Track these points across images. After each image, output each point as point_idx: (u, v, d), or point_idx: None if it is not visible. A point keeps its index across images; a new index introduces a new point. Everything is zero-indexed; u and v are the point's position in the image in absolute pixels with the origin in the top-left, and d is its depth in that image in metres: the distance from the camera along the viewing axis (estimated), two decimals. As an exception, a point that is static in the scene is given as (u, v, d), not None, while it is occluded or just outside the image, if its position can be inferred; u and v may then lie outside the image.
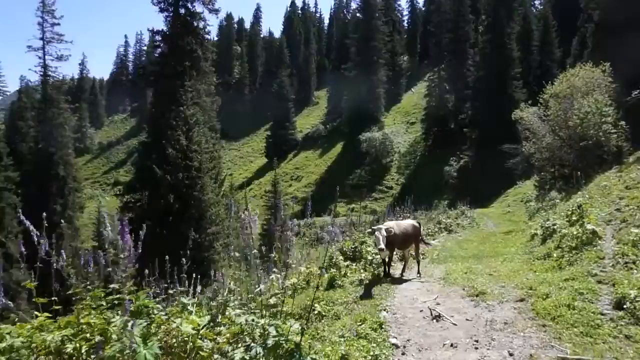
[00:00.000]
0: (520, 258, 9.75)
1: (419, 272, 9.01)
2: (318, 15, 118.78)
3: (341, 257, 10.10)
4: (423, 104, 60.01)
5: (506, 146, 32.43)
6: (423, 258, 11.72)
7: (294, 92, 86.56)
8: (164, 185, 20.85)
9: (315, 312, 7.49)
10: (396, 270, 9.61)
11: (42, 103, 39.37)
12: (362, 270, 8.83)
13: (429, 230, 18.55)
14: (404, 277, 8.96)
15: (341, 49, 75.75)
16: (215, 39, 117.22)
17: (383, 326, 6.04)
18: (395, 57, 71.11)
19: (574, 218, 9.05)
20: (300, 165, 66.98)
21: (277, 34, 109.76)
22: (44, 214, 3.96)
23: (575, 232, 8.13)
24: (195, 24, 25.03)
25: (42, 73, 38.80)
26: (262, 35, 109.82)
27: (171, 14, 24.47)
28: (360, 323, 6.23)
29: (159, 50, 25.69)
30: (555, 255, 8.27)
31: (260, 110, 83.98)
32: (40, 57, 38.42)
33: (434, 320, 6.20)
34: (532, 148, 21.06)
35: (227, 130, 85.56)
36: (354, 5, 79.15)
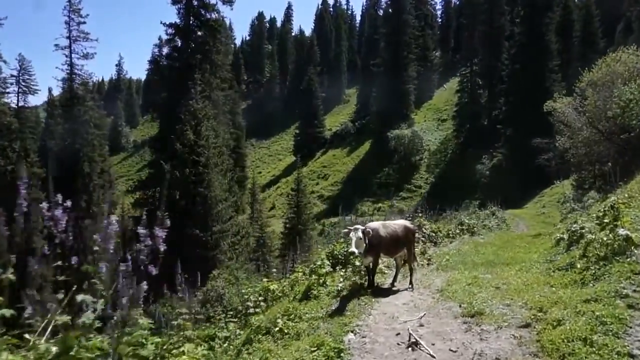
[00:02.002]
0: (538, 267, 8.16)
1: (411, 283, 7.59)
2: (349, 12, 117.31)
3: (327, 262, 8.85)
4: (455, 100, 57.53)
5: (537, 140, 29.96)
6: (429, 263, 10.27)
7: (324, 90, 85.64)
8: (171, 181, 20.14)
9: (277, 328, 6.30)
10: (389, 279, 8.24)
11: (69, 101, 39.82)
12: (341, 279, 7.50)
13: (449, 232, 16.93)
14: (393, 289, 7.58)
15: (371, 45, 74.06)
16: (247, 38, 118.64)
17: (342, 355, 4.77)
18: (426, 53, 68.76)
19: (606, 221, 7.39)
20: (327, 164, 65.86)
21: (308, 32, 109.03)
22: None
23: (604, 238, 6.52)
24: (209, 15, 24.24)
25: (68, 71, 39.19)
26: (293, 34, 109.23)
27: (184, 6, 23.79)
28: (315, 349, 4.98)
29: (172, 43, 25.10)
30: (579, 266, 6.68)
31: (290, 109, 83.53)
32: (66, 56, 38.80)
33: (409, 349, 4.85)
34: (566, 143, 18.99)
35: (257, 128, 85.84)
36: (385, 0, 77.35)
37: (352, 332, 5.40)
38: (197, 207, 19.23)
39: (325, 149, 70.60)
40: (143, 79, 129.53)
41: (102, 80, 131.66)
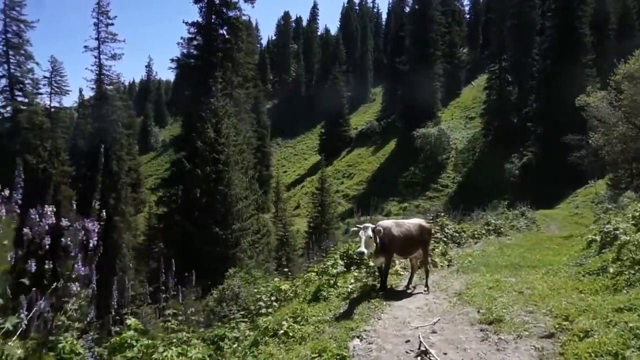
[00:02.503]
0: (567, 271, 7.58)
1: (426, 286, 7.14)
2: (375, 10, 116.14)
3: (341, 262, 8.49)
4: (483, 97, 56.04)
5: (569, 137, 28.63)
6: (450, 265, 9.76)
7: (350, 89, 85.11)
8: (192, 179, 20.17)
9: (281, 331, 5.99)
10: (404, 281, 7.81)
11: (98, 100, 40.69)
12: (352, 280, 7.12)
13: (474, 233, 16.29)
14: (408, 291, 7.15)
15: (397, 43, 73.01)
16: (273, 38, 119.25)
17: (344, 362, 4.42)
18: (453, 49, 67.28)
19: (643, 221, 6.78)
20: (352, 163, 65.36)
21: (334, 31, 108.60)
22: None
23: (641, 240, 5.95)
24: (230, 13, 24.21)
25: (97, 72, 40.03)
26: (318, 33, 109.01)
27: (205, 4, 23.81)
28: (316, 355, 4.65)
29: (194, 42, 25.19)
30: (611, 270, 6.11)
31: (316, 108, 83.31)
32: (95, 57, 39.62)
33: (418, 358, 4.45)
34: (601, 139, 17.98)
35: (282, 128, 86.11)
36: (411, -4, 76.20)
37: (358, 337, 5.03)
38: (217, 205, 19.16)
39: (350, 148, 70.11)
40: (172, 80, 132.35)
41: (133, 81, 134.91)
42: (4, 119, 40.51)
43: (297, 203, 59.29)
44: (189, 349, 4.76)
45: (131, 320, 4.31)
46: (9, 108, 39.25)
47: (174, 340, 4.84)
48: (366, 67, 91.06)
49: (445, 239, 12.27)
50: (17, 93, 39.43)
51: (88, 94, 42.51)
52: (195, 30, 24.35)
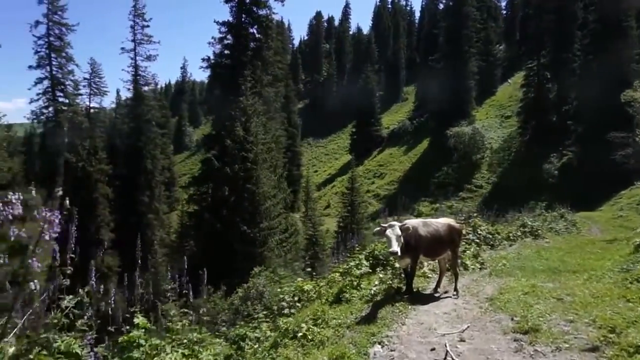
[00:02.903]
0: (612, 277, 6.99)
1: (455, 290, 6.71)
2: (408, 8, 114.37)
3: (366, 263, 8.16)
4: (520, 95, 54.08)
5: (613, 134, 27.07)
6: (482, 268, 9.25)
7: (382, 88, 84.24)
8: (221, 177, 20.25)
9: (300, 334, 5.72)
10: (432, 284, 7.40)
11: (133, 101, 41.81)
12: (376, 282, 6.78)
13: (510, 234, 15.60)
14: (435, 295, 6.75)
15: (431, 41, 71.67)
16: (305, 38, 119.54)
17: (363, 371, 4.12)
18: (489, 46, 65.33)
19: (700, 223, 6.12)
20: (384, 162, 64.57)
21: (366, 30, 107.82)
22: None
23: (698, 245, 5.34)
24: (260, 12, 24.21)
25: (133, 73, 41.16)
26: (350, 32, 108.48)
27: (236, 4, 23.90)
28: (333, 362, 4.36)
29: (224, 42, 25.32)
30: (664, 277, 5.55)
31: (348, 108, 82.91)
32: (131, 58, 40.81)
33: (444, 369, 4.10)
34: (649, 137, 16.84)
35: (314, 127, 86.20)
36: (445, -7, 74.58)
37: (379, 343, 4.71)
38: (245, 204, 19.15)
39: (382, 147, 69.31)
40: (206, 81, 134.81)
41: (169, 82, 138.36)
42: (46, 119, 42.10)
43: (328, 203, 59.08)
44: (200, 350, 4.56)
45: (139, 319, 4.15)
46: (50, 108, 40.80)
47: (185, 340, 4.66)
48: (398, 65, 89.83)
49: (477, 241, 11.73)
50: (58, 94, 40.99)
51: (125, 94, 43.74)
52: (226, 29, 24.49)
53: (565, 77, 47.48)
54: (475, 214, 15.27)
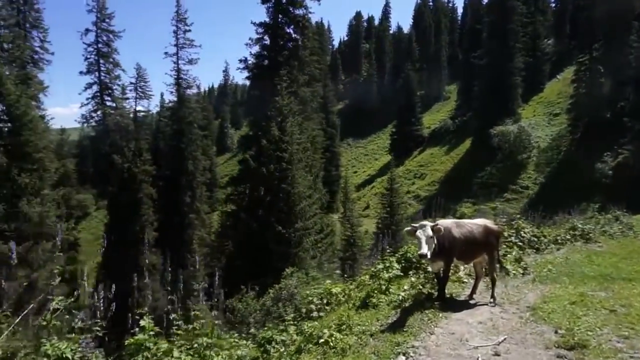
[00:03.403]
0: (675, 287, 6.24)
1: (492, 297, 6.18)
2: (451, 5, 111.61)
3: (397, 266, 7.73)
4: (570, 91, 51.35)
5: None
6: (525, 273, 8.58)
7: (422, 87, 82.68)
8: (257, 177, 20.28)
9: (322, 340, 5.41)
10: (468, 289, 6.88)
11: (176, 103, 42.89)
12: (406, 287, 6.35)
13: (557, 238, 14.62)
14: (470, 302, 6.24)
15: (474, 37, 69.54)
16: (345, 38, 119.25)
17: (383, 385, 3.75)
18: (536, 41, 62.50)
19: None
20: (424, 163, 63.23)
21: (407, 28, 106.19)
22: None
23: None
24: (297, 12, 24.12)
25: (175, 76, 42.25)
26: (391, 31, 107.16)
27: (272, 4, 23.92)
28: (352, 374, 4.02)
29: (261, 42, 25.42)
30: None
31: (387, 108, 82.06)
32: (174, 62, 41.91)
33: (475, 387, 3.66)
34: None
35: (354, 128, 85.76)
36: (490, -12, 72.03)
37: (404, 354, 4.32)
38: (280, 204, 19.06)
39: (422, 147, 67.95)
40: (247, 83, 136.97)
41: (212, 86, 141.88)
42: (95, 123, 44.06)
43: (367, 204, 58.48)
44: (212, 355, 4.34)
45: (145, 321, 3.97)
46: (99, 112, 42.62)
47: (195, 345, 4.46)
48: (440, 64, 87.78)
49: (520, 244, 10.98)
50: (106, 98, 42.82)
51: (168, 97, 45.09)
52: (263, 30, 24.59)
53: (620, 71, 44.63)
54: (518, 216, 14.38)
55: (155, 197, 38.90)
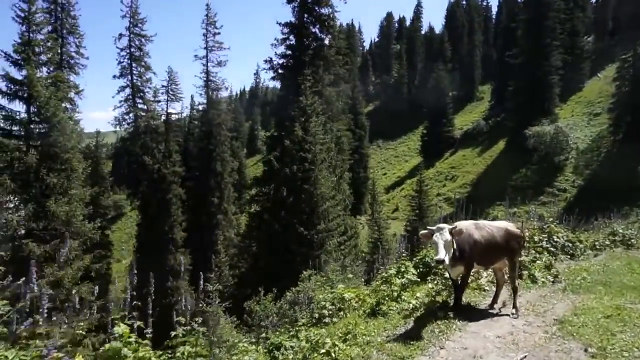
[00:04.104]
0: None
1: (514, 307, 5.61)
2: (485, 4, 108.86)
3: (413, 271, 7.22)
4: (612, 90, 48.92)
5: None
6: (554, 281, 7.90)
7: (455, 88, 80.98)
8: (280, 177, 20.06)
9: (323, 351, 5.00)
10: (488, 298, 6.30)
11: (205, 105, 43.38)
12: (418, 295, 5.85)
13: (595, 243, 13.72)
14: (490, 311, 5.68)
15: (508, 36, 67.47)
16: (376, 40, 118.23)
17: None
18: (575, 38, 59.97)
19: None
20: (456, 165, 61.72)
21: (439, 28, 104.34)
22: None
23: None
24: (322, 10, 23.81)
25: (205, 79, 42.75)
26: (422, 32, 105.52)
27: (298, 4, 23.70)
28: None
29: (287, 42, 25.22)
30: None
31: (418, 109, 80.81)
32: (203, 65, 42.42)
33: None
34: None
35: (384, 129, 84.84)
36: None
37: (407, 372, 3.86)
38: (302, 205, 18.73)
39: (454, 149, 66.39)
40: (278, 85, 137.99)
41: (244, 89, 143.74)
42: (128, 125, 45.03)
43: (396, 206, 57.57)
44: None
45: (120, 328, 3.67)
46: (131, 114, 43.56)
47: (178, 354, 4.13)
48: (473, 64, 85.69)
49: (553, 249, 10.21)
50: (138, 101, 43.70)
51: (198, 99, 45.60)
52: (288, 30, 24.39)
53: (666, 68, 42.24)
54: (551, 219, 13.54)
55: (184, 198, 39.50)
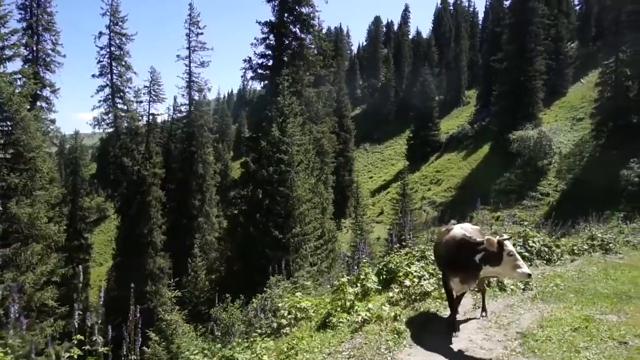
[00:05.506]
0: None
1: (484, 310, 5.19)
2: (471, 9, 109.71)
3: (374, 279, 6.72)
4: (594, 95, 49.27)
5: None
6: (525, 289, 7.45)
7: (442, 92, 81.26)
8: (256, 179, 19.49)
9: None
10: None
11: (188, 106, 42.65)
12: (370, 306, 5.35)
13: (574, 248, 13.37)
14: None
15: (494, 41, 67.86)
16: (364, 44, 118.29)
17: None
18: (559, 44, 60.47)
19: None
20: (441, 168, 61.72)
21: (426, 33, 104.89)
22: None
23: None
24: (303, 10, 23.36)
25: (187, 79, 42.04)
26: (410, 36, 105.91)
27: (278, 3, 23.23)
28: None
29: (266, 42, 24.70)
30: None
31: (405, 113, 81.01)
32: (186, 65, 41.74)
33: None
34: None
35: (371, 133, 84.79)
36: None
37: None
38: (278, 207, 18.18)
39: (440, 153, 66.47)
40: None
41: (231, 91, 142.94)
42: (107, 125, 44.07)
43: (381, 209, 57.31)
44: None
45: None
46: (110, 115, 42.63)
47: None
48: (460, 68, 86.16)
49: (527, 254, 9.81)
50: (117, 101, 42.81)
51: (180, 100, 44.74)
52: (268, 29, 23.90)
53: (647, 73, 42.59)
54: (526, 223, 13.17)
55: (165, 200, 38.63)
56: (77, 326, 3.97)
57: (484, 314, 5.33)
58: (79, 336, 3.20)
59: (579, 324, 4.80)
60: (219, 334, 12.38)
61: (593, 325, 4.74)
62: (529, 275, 4.58)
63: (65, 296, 23.83)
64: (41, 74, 33.85)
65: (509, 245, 4.46)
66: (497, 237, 4.56)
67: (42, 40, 34.18)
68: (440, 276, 6.00)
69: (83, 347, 3.42)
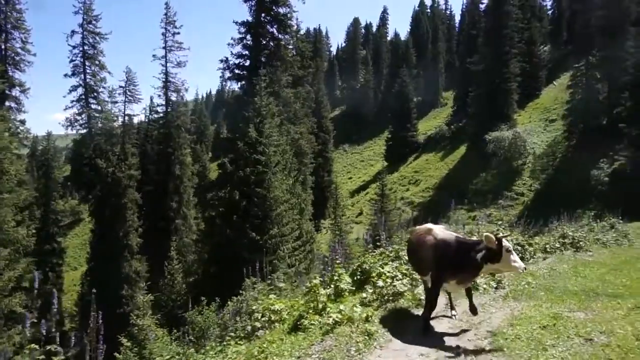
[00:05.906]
0: (667, 307, 5.21)
1: (452, 308, 5.25)
2: (448, 12, 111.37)
3: (348, 280, 6.69)
4: (566, 97, 50.56)
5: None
6: (498, 287, 7.55)
7: (420, 93, 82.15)
8: (233, 181, 19.28)
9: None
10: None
11: (164, 107, 42.02)
12: (341, 307, 5.31)
13: (547, 246, 13.62)
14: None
15: (470, 44, 69.00)
16: (343, 45, 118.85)
17: None
18: (532, 47, 61.81)
19: None
20: (419, 169, 62.34)
21: (404, 35, 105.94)
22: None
23: None
24: (280, 10, 23.26)
25: (164, 80, 41.42)
26: (388, 38, 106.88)
27: (255, 2, 23.07)
28: None
29: (243, 42, 24.51)
30: None
31: (384, 114, 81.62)
32: (162, 65, 41.11)
33: None
34: None
35: (350, 134, 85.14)
36: (486, -6, 71.51)
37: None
38: (255, 209, 18.03)
39: (418, 153, 67.18)
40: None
41: (210, 92, 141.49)
42: (80, 126, 43.11)
43: (360, 210, 57.53)
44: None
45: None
46: (83, 115, 41.68)
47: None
48: (437, 70, 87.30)
49: (501, 254, 9.95)
50: (91, 101, 41.91)
51: (157, 101, 44.06)
52: (245, 29, 23.72)
53: (616, 77, 43.79)
54: (500, 222, 13.39)
55: (141, 203, 37.86)
56: (45, 334, 3.84)
57: (454, 313, 5.40)
58: (33, 345, 3.07)
59: (547, 322, 4.86)
60: (194, 338, 12.18)
61: (561, 322, 4.81)
62: (525, 269, 4.93)
63: (37, 302, 23.09)
64: (10, 73, 32.83)
65: (506, 242, 4.68)
66: (495, 235, 4.82)
67: (11, 38, 33.23)
68: (415, 276, 6.01)
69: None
